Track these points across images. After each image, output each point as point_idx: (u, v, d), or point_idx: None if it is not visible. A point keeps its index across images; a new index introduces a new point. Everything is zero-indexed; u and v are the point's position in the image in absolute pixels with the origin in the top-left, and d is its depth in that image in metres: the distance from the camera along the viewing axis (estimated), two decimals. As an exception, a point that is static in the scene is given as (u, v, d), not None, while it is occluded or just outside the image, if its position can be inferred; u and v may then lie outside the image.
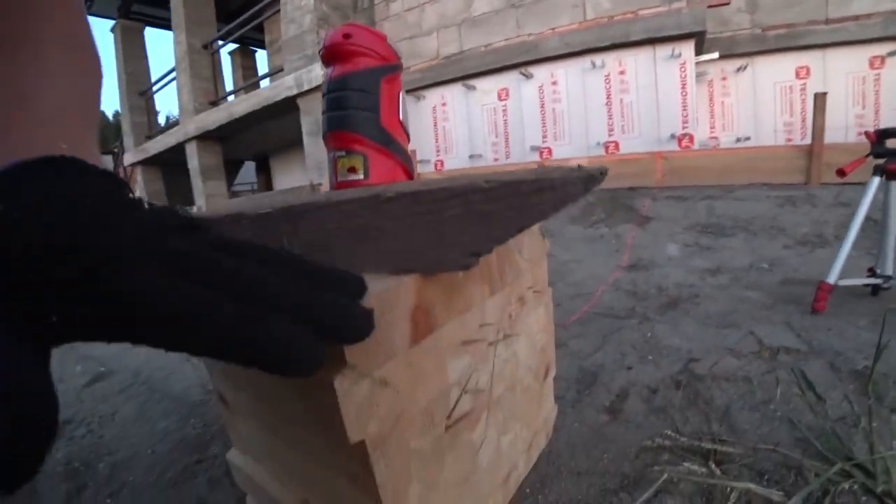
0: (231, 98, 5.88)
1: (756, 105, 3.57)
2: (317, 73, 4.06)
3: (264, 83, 5.45)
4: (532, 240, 0.57)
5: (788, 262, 1.65)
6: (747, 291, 1.35)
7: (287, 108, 4.61)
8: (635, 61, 3.34)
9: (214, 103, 5.77)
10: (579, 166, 0.31)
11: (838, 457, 0.57)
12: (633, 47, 3.32)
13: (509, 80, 3.89)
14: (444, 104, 4.28)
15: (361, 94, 0.55)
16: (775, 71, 3.48)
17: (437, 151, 4.42)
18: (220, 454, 0.70)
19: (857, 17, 3.22)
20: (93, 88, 0.30)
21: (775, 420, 0.68)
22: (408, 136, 0.60)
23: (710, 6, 3.30)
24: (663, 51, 3.23)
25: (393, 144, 0.57)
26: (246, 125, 5.40)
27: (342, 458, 0.35)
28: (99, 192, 0.21)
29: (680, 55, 3.18)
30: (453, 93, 4.20)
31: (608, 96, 3.49)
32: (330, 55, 0.55)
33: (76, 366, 1.21)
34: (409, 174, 0.60)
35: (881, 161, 1.14)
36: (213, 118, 5.40)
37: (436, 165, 4.44)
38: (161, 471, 0.68)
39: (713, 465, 0.58)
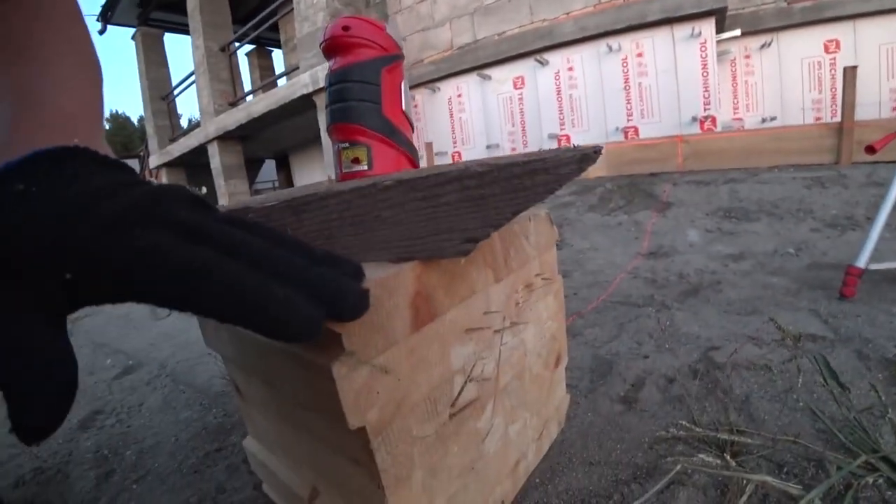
0: (249, 98, 5.98)
1: (782, 83, 3.41)
2: (331, 70, 4.09)
3: (281, 82, 5.52)
4: (539, 226, 0.56)
5: (816, 245, 1.58)
6: (772, 277, 1.30)
7: (304, 105, 4.66)
8: (653, 43, 3.24)
9: (234, 104, 5.88)
10: (575, 146, 0.30)
11: (863, 449, 0.54)
12: (651, 28, 3.21)
13: (524, 67, 3.82)
14: (459, 95, 4.25)
15: (363, 86, 0.55)
16: (802, 46, 3.31)
17: (455, 143, 4.40)
18: (239, 442, 0.72)
19: (890, -15, 3.03)
20: (95, 89, 0.31)
21: (797, 410, 0.66)
22: (412, 125, 0.60)
23: (731, -18, 3.16)
24: (682, 30, 3.11)
25: (396, 135, 0.57)
26: (265, 124, 5.49)
27: (346, 444, 0.36)
28: (110, 172, 0.23)
29: (700, 34, 3.06)
30: (468, 83, 4.16)
31: (626, 80, 3.39)
32: (330, 48, 0.55)
33: (107, 360, 1.26)
34: (414, 164, 0.60)
35: (916, 136, 1.08)
36: (233, 118, 5.50)
37: (453, 157, 4.42)
38: (183, 458, 0.71)
39: (728, 457, 0.57)
